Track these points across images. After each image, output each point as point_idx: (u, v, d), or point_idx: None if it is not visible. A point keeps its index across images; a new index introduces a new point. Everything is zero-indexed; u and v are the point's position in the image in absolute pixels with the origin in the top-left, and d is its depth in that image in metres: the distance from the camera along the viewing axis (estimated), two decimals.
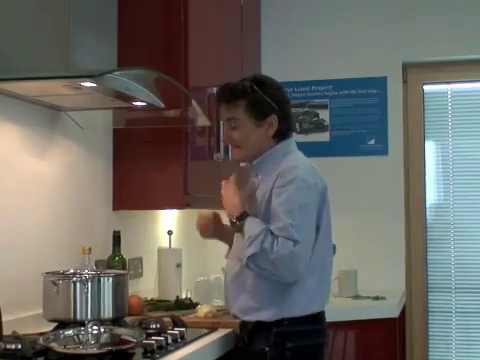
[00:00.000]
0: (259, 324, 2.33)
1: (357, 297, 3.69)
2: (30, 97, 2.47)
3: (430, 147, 4.25)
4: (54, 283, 2.25)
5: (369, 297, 3.65)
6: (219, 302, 2.97)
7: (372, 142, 4.19)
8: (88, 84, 2.28)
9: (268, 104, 2.38)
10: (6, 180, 2.42)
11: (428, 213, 4.22)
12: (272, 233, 2.24)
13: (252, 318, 2.35)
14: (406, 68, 4.22)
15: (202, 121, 2.94)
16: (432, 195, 4.24)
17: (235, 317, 2.44)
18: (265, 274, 2.27)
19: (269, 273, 2.26)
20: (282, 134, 2.43)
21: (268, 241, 2.22)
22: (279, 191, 2.28)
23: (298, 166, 2.34)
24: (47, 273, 2.32)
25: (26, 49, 2.27)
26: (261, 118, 2.39)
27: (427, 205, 4.22)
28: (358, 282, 3.76)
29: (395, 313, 3.53)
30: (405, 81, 4.23)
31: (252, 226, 2.28)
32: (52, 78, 2.22)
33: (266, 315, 2.31)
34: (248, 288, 2.35)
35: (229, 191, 2.43)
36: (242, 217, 2.32)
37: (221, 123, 3.06)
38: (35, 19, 2.28)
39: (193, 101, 2.76)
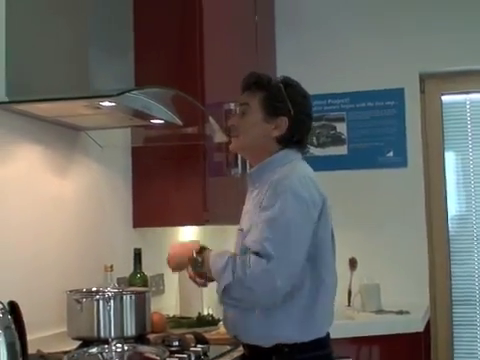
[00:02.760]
0: (256, 350, 2.16)
1: (380, 311, 3.66)
2: (50, 118, 2.50)
3: (450, 158, 4.23)
4: (78, 301, 2.26)
5: (393, 311, 3.62)
6: None
7: (390, 154, 4.17)
8: (107, 104, 2.30)
9: (285, 106, 2.23)
10: (29, 200, 2.45)
11: (450, 225, 4.19)
12: (245, 252, 2.08)
13: (244, 340, 2.21)
14: (423, 79, 4.21)
15: (219, 137, 2.94)
16: (453, 206, 4.21)
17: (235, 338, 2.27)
18: (243, 306, 2.11)
19: (246, 302, 2.09)
20: (287, 142, 2.25)
21: (239, 266, 2.04)
22: (266, 204, 2.10)
23: (289, 177, 2.13)
24: (70, 291, 2.33)
25: (45, 71, 2.31)
26: (272, 115, 2.23)
27: (449, 217, 4.19)
28: (381, 296, 3.73)
29: (420, 327, 3.50)
30: (423, 92, 4.22)
31: (215, 259, 2.12)
32: (72, 99, 2.24)
33: (259, 338, 2.14)
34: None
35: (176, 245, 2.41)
36: (201, 252, 2.19)
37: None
38: (53, 42, 2.32)
39: (210, 118, 2.78)
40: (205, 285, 2.31)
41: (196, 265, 2.20)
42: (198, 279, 2.27)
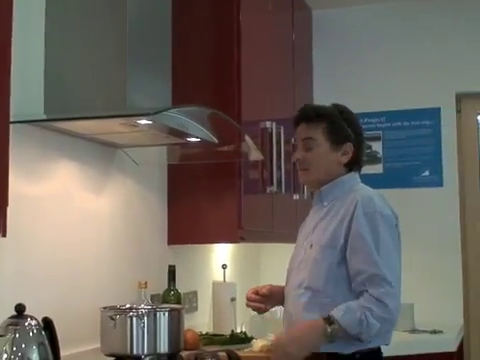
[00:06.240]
0: (335, 357, 2.18)
1: (414, 331, 3.63)
2: (88, 135, 2.53)
3: None
4: (111, 318, 2.28)
5: (426, 331, 3.60)
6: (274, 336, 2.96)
7: (426, 173, 4.15)
8: (144, 122, 2.32)
9: (347, 131, 2.36)
10: (66, 216, 2.48)
11: None
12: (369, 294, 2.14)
13: (327, 349, 2.18)
14: (460, 98, 4.18)
15: (255, 155, 2.96)
16: None
17: None
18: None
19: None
20: (353, 165, 2.39)
21: (375, 308, 2.11)
22: (360, 227, 2.19)
23: (372, 197, 2.26)
24: (104, 308, 2.35)
25: (83, 89, 2.35)
26: (338, 143, 2.34)
27: None
28: (415, 316, 3.70)
29: (453, 347, 3.47)
30: (459, 111, 4.19)
31: (346, 318, 2.11)
32: (109, 117, 2.28)
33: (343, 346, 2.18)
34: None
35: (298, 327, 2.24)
36: (331, 320, 2.12)
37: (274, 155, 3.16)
38: (91, 60, 2.36)
39: (246, 136, 2.79)
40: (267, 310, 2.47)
41: (332, 337, 2.12)
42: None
